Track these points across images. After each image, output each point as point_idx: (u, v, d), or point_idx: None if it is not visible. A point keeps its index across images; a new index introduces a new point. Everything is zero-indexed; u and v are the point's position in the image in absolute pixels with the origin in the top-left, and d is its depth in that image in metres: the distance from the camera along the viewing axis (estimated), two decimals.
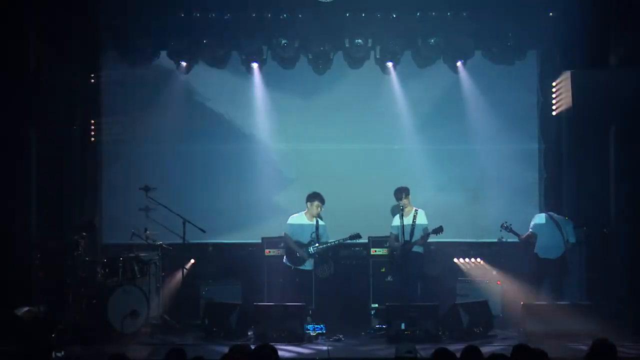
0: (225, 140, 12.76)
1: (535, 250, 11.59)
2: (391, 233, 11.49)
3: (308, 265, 11.35)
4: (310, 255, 11.26)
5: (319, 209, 11.35)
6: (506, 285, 11.86)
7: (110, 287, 10.69)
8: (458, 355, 6.31)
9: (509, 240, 12.05)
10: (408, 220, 11.25)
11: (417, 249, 11.27)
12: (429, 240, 11.42)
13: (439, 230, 11.06)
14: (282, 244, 11.66)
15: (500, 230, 11.67)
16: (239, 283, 12.13)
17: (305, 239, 11.30)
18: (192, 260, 12.26)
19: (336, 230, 12.30)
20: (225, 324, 10.62)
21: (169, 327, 11.24)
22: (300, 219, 11.40)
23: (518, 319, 10.90)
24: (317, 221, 11.37)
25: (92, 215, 12.49)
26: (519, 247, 12.12)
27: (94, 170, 12.78)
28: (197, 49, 12.50)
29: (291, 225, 11.39)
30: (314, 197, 11.31)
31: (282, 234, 11.52)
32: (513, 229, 11.58)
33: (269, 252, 12.07)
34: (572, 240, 11.56)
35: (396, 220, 11.37)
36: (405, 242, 11.16)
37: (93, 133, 12.78)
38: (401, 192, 11.35)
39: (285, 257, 11.44)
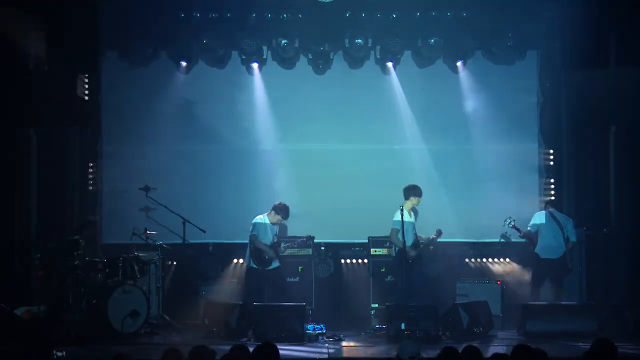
0: (226, 140, 12.75)
1: (536, 251, 11.57)
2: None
3: (274, 264, 11.36)
4: (279, 254, 11.34)
5: (279, 222, 11.44)
6: (506, 285, 11.87)
7: (110, 287, 10.69)
8: None
9: (512, 240, 12.10)
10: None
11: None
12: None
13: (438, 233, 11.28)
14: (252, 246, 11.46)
15: (503, 225, 11.67)
16: (239, 283, 12.13)
17: (268, 240, 11.33)
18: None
19: (336, 230, 12.36)
20: (225, 324, 10.62)
21: (169, 327, 11.25)
22: (264, 219, 11.40)
23: (518, 319, 10.90)
24: None
25: (92, 215, 12.50)
26: (518, 247, 12.17)
27: (94, 170, 12.78)
28: (197, 49, 12.50)
29: (258, 225, 11.35)
30: (282, 210, 11.30)
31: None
32: (516, 225, 11.59)
33: None
34: (573, 239, 11.55)
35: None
36: (415, 244, 11.14)
37: (93, 133, 12.78)
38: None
39: (249, 259, 11.39)
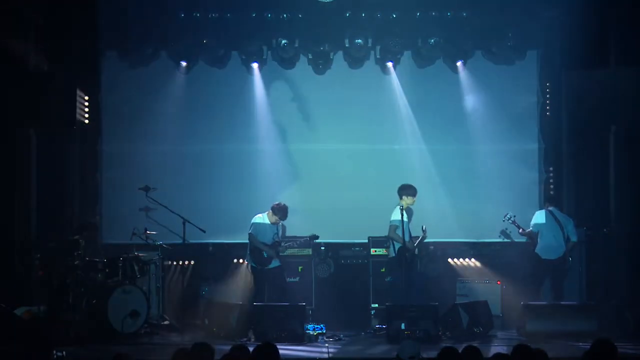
0: (225, 140, 12.75)
1: (537, 251, 11.54)
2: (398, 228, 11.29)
3: (274, 263, 11.35)
4: (279, 254, 11.34)
5: (278, 222, 11.41)
6: (506, 285, 11.87)
7: (110, 287, 10.69)
8: None
9: (513, 240, 12.10)
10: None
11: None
12: (427, 240, 11.45)
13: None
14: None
15: (503, 221, 11.67)
16: (239, 283, 12.13)
17: (268, 240, 11.31)
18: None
19: (336, 230, 12.36)
20: (225, 324, 10.62)
21: (169, 327, 11.25)
22: (263, 219, 11.41)
23: (518, 319, 10.90)
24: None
25: (92, 215, 12.50)
26: (518, 247, 12.16)
27: (94, 170, 12.77)
28: (197, 49, 12.49)
29: (256, 224, 11.37)
30: (280, 211, 11.30)
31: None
32: (516, 221, 11.58)
33: None
34: (574, 239, 11.53)
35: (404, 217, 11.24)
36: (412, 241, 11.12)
37: (93, 133, 12.77)
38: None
39: (249, 258, 11.44)
